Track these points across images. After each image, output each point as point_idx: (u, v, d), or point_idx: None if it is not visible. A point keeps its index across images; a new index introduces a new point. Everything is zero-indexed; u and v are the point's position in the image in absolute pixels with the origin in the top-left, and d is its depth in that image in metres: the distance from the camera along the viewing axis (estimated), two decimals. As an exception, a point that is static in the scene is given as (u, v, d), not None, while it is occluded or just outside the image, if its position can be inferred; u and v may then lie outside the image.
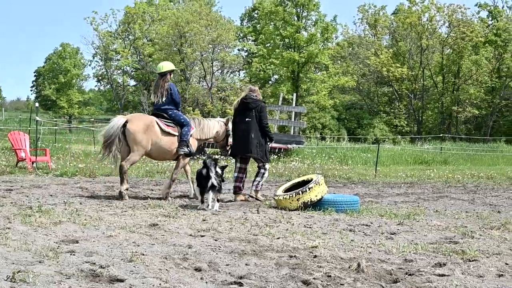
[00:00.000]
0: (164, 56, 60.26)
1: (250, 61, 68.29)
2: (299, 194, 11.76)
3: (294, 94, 41.85)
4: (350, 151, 36.11)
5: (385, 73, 66.21)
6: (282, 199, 11.94)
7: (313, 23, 64.88)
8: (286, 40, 62.94)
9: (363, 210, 11.98)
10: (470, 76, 65.69)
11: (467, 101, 65.85)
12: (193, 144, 13.80)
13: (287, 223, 9.92)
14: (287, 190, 12.49)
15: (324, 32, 63.15)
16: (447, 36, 67.15)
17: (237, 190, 13.67)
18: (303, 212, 11.50)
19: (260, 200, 13.46)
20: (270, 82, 68.44)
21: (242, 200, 13.44)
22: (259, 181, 13.71)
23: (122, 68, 76.07)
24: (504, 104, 67.39)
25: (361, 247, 7.92)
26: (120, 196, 12.88)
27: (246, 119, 13.47)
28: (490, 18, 74.74)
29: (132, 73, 78.71)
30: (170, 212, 10.58)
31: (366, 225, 9.89)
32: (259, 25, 71.68)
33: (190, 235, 8.38)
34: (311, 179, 12.35)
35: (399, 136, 59.56)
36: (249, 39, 76.15)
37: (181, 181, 17.84)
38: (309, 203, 11.77)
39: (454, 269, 6.66)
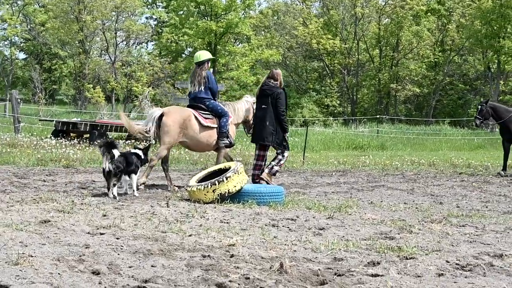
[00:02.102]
0: (59, 24, 59.38)
1: (160, 31, 67.88)
2: (215, 184, 11.77)
3: (211, 69, 41.79)
4: (275, 135, 36.17)
5: (315, 46, 66.57)
6: (196, 190, 11.91)
7: (232, -12, 64.72)
8: (202, 7, 62.51)
9: (288, 202, 12.08)
10: (410, 49, 66.56)
11: (407, 77, 66.77)
12: (232, 131, 15.25)
13: (201, 218, 9.92)
14: (202, 180, 12.49)
15: (245, -2, 63.05)
16: (385, 4, 67.95)
17: (255, 179, 14.57)
18: (220, 205, 11.52)
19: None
20: (183, 55, 68.17)
21: None
22: (273, 165, 14.74)
23: (9, 38, 74.61)
24: (449, 81, 68.36)
25: (285, 244, 7.98)
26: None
27: (263, 106, 14.64)
28: (433, -16, 75.85)
29: (22, 45, 77.36)
30: (65, 207, 10.44)
31: (291, 220, 9.97)
32: (170, -11, 71.24)
33: (88, 233, 8.30)
34: (229, 168, 12.41)
35: (331, 118, 60.12)
36: (159, 5, 75.70)
37: (78, 170, 17.69)
38: (226, 194, 11.81)
39: (389, 268, 6.77)
